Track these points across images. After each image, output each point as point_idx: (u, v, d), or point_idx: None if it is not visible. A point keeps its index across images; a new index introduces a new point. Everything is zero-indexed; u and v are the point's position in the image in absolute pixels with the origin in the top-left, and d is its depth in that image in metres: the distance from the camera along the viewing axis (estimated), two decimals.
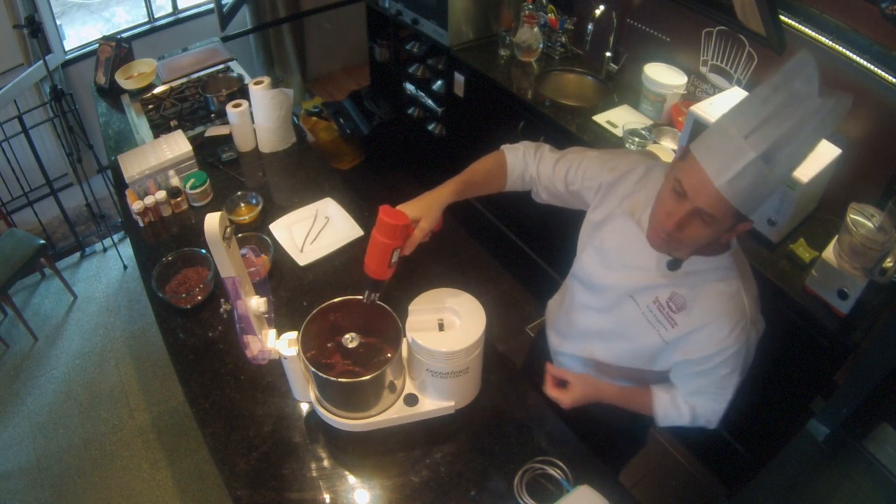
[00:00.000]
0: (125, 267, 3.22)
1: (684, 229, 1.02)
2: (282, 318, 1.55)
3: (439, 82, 2.98)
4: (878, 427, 1.90)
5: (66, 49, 3.23)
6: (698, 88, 2.33)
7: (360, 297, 1.22)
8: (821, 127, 0.92)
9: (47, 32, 2.88)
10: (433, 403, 1.31)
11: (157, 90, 2.41)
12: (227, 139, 2.14)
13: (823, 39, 1.80)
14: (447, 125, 3.07)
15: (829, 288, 1.65)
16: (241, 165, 2.08)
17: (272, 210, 1.89)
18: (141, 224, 1.85)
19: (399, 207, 1.17)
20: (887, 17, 1.59)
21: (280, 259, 1.73)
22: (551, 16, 2.65)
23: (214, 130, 2.19)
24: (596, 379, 1.33)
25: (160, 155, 1.92)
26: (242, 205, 1.86)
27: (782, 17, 1.82)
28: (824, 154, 1.76)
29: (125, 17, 3.81)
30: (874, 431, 1.90)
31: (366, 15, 3.40)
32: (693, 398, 1.24)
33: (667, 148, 2.16)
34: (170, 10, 3.61)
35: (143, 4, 3.50)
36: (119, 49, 2.45)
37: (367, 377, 1.17)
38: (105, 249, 3.35)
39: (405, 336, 1.24)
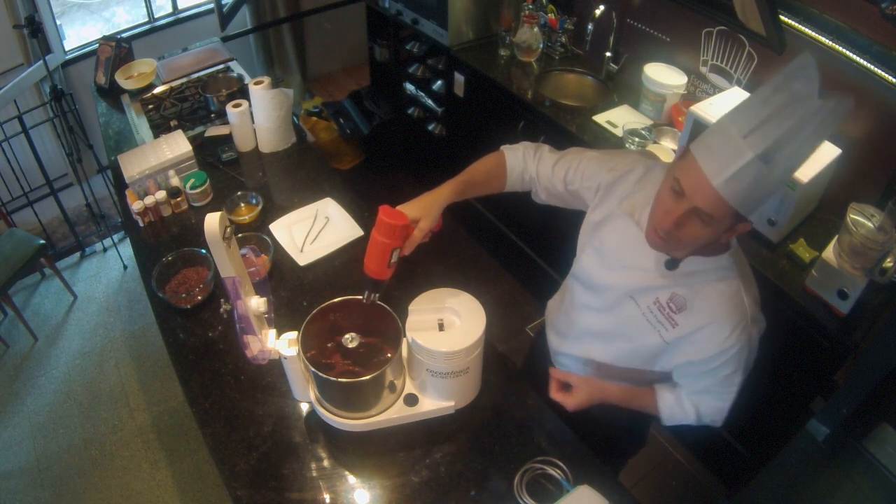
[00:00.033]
0: (125, 267, 3.22)
1: (682, 228, 1.02)
2: (282, 318, 1.55)
3: (439, 82, 2.98)
4: (878, 427, 1.90)
5: (66, 49, 3.23)
6: (698, 88, 2.33)
7: (360, 297, 1.22)
8: (821, 128, 0.91)
9: (47, 32, 2.88)
10: (433, 403, 1.31)
11: (157, 90, 2.41)
12: (227, 139, 2.14)
13: (823, 39, 1.80)
14: (447, 125, 3.07)
15: (829, 288, 1.65)
16: (241, 165, 2.08)
17: (272, 210, 1.89)
18: (141, 224, 1.85)
19: (399, 207, 1.17)
20: (887, 17, 1.59)
21: (280, 259, 1.73)
22: (551, 16, 2.65)
23: (214, 130, 2.19)
24: (599, 380, 1.32)
25: (160, 155, 1.92)
26: (242, 205, 1.86)
27: (782, 17, 1.82)
28: (824, 154, 1.76)
29: (125, 17, 3.81)
30: (874, 431, 1.90)
31: (366, 15, 3.40)
32: (697, 397, 1.24)
33: (667, 148, 2.16)
34: (170, 10, 3.61)
35: (143, 4, 3.50)
36: (119, 49, 2.45)
37: (367, 377, 1.17)
38: (105, 249, 3.35)
39: (405, 336, 1.24)
